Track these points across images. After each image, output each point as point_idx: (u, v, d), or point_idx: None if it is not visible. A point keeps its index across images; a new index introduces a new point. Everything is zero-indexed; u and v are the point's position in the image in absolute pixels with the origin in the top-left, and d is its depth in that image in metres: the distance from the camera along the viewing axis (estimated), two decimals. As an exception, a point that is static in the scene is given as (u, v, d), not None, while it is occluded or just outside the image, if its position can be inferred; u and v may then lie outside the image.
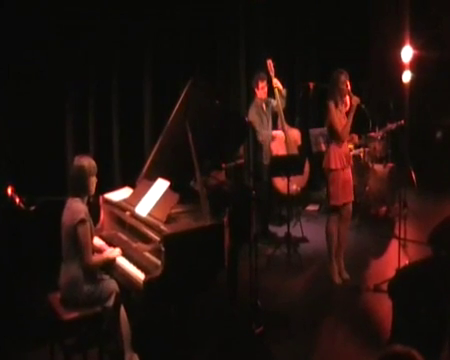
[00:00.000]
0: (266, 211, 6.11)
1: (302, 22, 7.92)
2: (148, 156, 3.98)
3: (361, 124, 6.11)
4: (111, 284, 3.51)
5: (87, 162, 3.51)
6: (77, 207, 3.44)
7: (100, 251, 3.67)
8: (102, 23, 5.04)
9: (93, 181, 3.54)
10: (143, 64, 5.58)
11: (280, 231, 6.09)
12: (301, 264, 5.31)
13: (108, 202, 3.96)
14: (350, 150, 5.62)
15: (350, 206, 4.88)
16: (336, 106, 4.74)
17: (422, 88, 8.06)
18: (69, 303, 3.42)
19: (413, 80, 7.98)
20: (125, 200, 3.87)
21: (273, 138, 5.91)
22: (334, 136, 4.75)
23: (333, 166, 4.73)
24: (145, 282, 3.18)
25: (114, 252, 3.60)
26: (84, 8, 4.82)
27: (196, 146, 3.62)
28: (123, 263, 3.53)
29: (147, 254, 3.49)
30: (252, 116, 5.86)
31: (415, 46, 7.80)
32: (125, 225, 3.74)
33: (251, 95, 6.15)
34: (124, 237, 3.78)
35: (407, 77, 7.92)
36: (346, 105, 4.86)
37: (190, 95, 3.62)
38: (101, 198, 3.97)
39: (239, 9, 6.70)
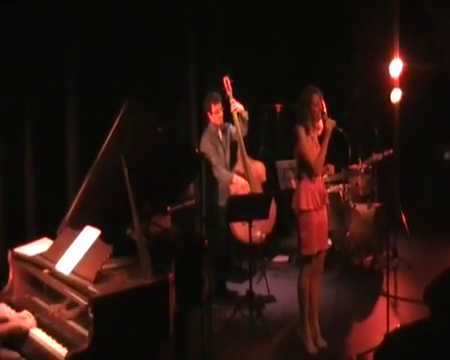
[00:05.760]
0: (223, 264, 6.20)
1: (267, 29, 8.07)
2: (72, 198, 4.01)
3: (339, 153, 6.28)
4: (21, 364, 3.49)
5: None
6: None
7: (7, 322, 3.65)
8: (16, 38, 5.08)
9: None
10: (66, 81, 5.57)
11: (241, 289, 6.16)
12: (267, 329, 5.39)
13: (20, 258, 3.94)
14: (325, 184, 5.73)
15: (323, 255, 5.01)
16: (307, 132, 4.86)
17: (415, 109, 8.41)
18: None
19: (403, 99, 8.34)
20: (42, 255, 3.87)
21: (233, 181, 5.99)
22: (305, 169, 4.88)
23: (304, 207, 4.85)
24: (67, 359, 3.19)
25: (26, 322, 3.58)
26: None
27: (134, 185, 3.69)
28: (38, 335, 3.52)
29: (71, 323, 3.50)
30: (205, 146, 5.97)
31: (406, 58, 8.17)
32: (42, 287, 3.73)
33: (204, 120, 6.25)
34: (41, 302, 3.78)
35: (396, 96, 8.26)
36: (319, 130, 5.00)
37: (125, 121, 3.69)
38: (10, 253, 3.94)
39: (188, 11, 6.78)
